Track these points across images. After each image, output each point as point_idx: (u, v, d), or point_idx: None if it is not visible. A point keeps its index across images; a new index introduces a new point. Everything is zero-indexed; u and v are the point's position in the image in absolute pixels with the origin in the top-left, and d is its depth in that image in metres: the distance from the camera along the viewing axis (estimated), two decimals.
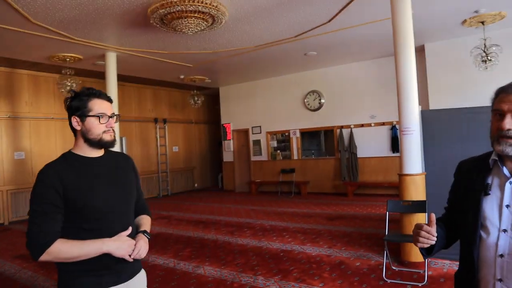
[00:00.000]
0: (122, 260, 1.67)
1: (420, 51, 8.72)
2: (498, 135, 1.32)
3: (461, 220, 1.47)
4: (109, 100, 1.78)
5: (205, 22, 5.70)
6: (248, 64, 9.56)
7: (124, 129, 10.79)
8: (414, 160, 4.45)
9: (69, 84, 7.62)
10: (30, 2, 5.07)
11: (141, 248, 1.71)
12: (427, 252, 1.49)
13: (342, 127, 10.19)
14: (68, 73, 7.80)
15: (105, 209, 1.67)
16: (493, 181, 1.39)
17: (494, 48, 6.92)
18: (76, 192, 1.61)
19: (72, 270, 1.62)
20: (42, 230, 1.54)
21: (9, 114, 8.60)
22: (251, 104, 12.11)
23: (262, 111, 11.83)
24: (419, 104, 4.71)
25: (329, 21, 6.59)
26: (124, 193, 1.80)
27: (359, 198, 9.50)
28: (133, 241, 1.71)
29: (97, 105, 1.71)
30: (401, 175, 4.53)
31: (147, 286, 1.90)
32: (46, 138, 9.17)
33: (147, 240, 1.79)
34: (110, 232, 1.67)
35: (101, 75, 8.47)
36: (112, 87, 7.78)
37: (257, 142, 12.04)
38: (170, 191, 12.48)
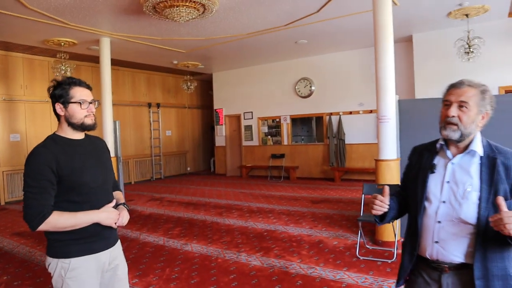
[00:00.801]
0: (108, 227, 1.94)
1: (408, 41, 8.97)
2: (445, 121, 1.60)
3: (411, 194, 1.76)
4: (89, 87, 1.97)
5: (196, 11, 5.88)
6: (241, 51, 9.74)
7: (118, 113, 10.98)
8: (389, 146, 4.73)
9: (64, 68, 7.78)
10: None
11: (124, 217, 1.99)
12: (380, 219, 1.78)
13: (331, 114, 10.45)
14: (63, 57, 7.94)
15: (92, 185, 1.90)
16: (439, 162, 1.68)
17: (476, 41, 7.17)
18: (69, 170, 1.82)
19: (65, 239, 1.84)
20: (40, 203, 1.74)
21: (4, 97, 8.77)
22: (244, 90, 12.32)
23: (254, 97, 12.05)
24: (397, 93, 4.98)
25: (318, 11, 6.79)
26: (106, 171, 2.04)
27: (346, 183, 9.83)
28: (117, 212, 1.98)
29: (78, 93, 1.89)
30: (377, 160, 4.82)
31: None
32: (42, 121, 9.36)
33: (127, 210, 2.07)
34: (96, 205, 1.91)
35: (96, 60, 8.64)
36: (106, 71, 7.95)
37: (248, 128, 12.29)
38: (163, 174, 12.75)
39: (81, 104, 1.89)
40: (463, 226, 1.55)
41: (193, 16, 5.98)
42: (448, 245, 1.58)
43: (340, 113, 10.27)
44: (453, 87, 1.62)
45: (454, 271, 1.58)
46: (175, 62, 10.84)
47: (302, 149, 11.18)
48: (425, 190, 1.66)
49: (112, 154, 7.99)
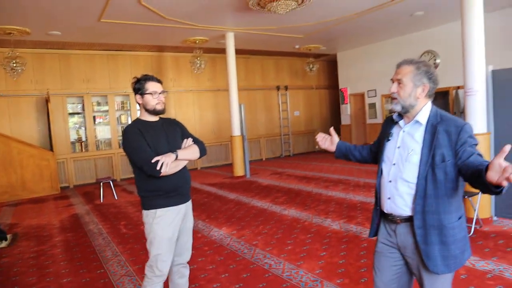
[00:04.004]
0: (180, 188, 2.49)
1: None
2: (391, 97, 1.96)
3: (378, 158, 2.10)
4: (159, 81, 2.49)
5: (294, 2, 6.49)
6: (355, 30, 9.85)
7: (250, 97, 12.40)
8: (477, 120, 4.58)
9: (198, 62, 9.35)
10: (161, 3, 6.70)
11: (163, 157, 2.32)
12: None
13: (458, 87, 9.69)
14: (198, 52, 9.53)
15: (161, 151, 2.39)
16: (395, 130, 1.97)
17: None
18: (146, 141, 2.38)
19: (151, 196, 2.42)
20: (150, 154, 2.31)
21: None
22: (366, 68, 12.28)
23: (376, 75, 11.91)
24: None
25: None
26: (170, 142, 2.50)
27: None
28: (168, 154, 2.37)
29: (151, 86, 2.41)
30: None
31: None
32: (186, 106, 11.37)
33: (172, 154, 2.37)
34: None
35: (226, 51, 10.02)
36: (231, 61, 9.26)
37: (372, 105, 12.25)
38: (292, 152, 13.78)
39: (152, 94, 2.42)
40: (406, 184, 1.83)
41: (293, 7, 6.61)
42: (397, 200, 1.87)
43: None
44: (396, 67, 1.89)
45: (404, 222, 1.87)
46: (297, 46, 11.55)
47: None
48: (382, 155, 1.99)
49: (238, 133, 9.32)
